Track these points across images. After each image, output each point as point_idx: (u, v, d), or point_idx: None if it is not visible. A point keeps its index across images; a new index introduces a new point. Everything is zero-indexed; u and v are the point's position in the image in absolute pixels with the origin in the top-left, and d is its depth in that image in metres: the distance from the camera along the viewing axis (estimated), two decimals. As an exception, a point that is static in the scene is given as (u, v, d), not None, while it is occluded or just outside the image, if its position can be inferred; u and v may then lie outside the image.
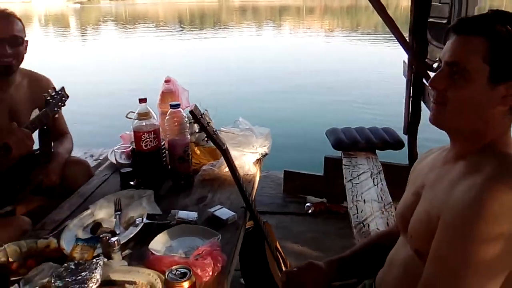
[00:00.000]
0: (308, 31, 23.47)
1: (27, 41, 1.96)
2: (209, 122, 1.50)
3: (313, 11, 43.73)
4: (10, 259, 1.25)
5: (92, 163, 2.60)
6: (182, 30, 25.88)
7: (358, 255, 1.38)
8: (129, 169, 1.75)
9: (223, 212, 1.52)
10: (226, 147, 1.50)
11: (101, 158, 2.78)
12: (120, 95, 8.33)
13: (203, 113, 1.51)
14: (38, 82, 2.10)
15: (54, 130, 2.09)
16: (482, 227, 0.83)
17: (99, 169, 2.06)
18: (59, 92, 1.96)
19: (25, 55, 1.97)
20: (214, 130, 1.51)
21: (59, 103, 1.95)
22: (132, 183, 1.73)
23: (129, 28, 27.28)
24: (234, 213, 1.51)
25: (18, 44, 1.90)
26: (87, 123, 6.41)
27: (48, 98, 1.90)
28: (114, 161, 1.96)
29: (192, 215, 1.49)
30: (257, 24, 30.13)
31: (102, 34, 23.68)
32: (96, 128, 6.38)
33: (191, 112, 1.47)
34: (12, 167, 1.88)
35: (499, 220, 0.82)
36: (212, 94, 7.36)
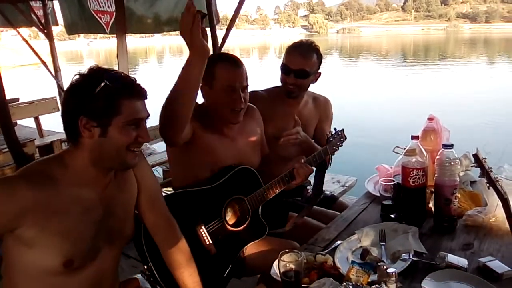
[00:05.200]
0: None
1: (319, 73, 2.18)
2: (490, 168, 1.45)
3: None
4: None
5: (339, 189, 2.77)
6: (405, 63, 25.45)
7: None
8: (390, 202, 1.80)
9: (497, 265, 1.41)
10: (507, 197, 1.42)
11: (346, 185, 2.92)
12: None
13: (485, 158, 1.46)
14: (319, 101, 2.35)
15: None
16: None
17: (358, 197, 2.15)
18: (339, 132, 2.07)
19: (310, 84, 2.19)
20: (496, 177, 1.44)
21: (338, 143, 2.06)
22: (392, 216, 1.77)
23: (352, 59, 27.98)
24: (510, 268, 1.40)
25: (304, 76, 2.11)
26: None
27: (330, 137, 2.03)
28: (371, 191, 2.05)
29: (463, 261, 1.43)
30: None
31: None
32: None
33: (474, 155, 1.44)
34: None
35: None
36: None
